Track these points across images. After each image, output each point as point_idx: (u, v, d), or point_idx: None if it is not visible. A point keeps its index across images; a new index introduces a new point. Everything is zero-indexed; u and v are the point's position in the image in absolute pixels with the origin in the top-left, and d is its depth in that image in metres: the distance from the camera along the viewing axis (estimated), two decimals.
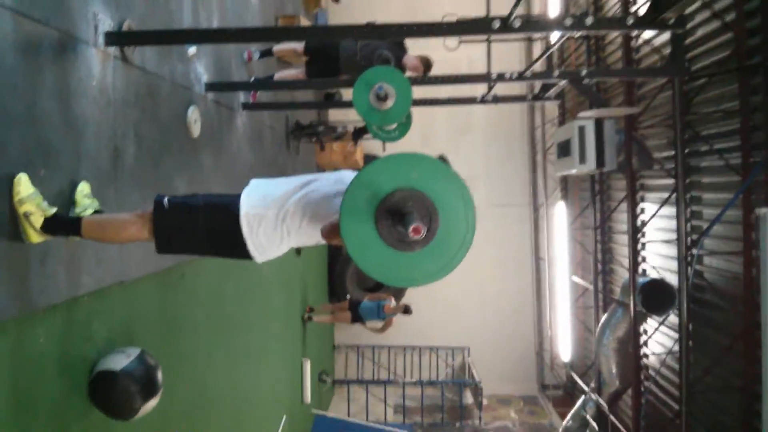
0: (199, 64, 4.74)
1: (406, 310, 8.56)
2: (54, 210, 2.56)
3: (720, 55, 5.33)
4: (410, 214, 2.00)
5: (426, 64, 6.35)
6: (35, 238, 2.53)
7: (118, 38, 3.31)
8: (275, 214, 2.60)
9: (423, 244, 2.04)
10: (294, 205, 2.61)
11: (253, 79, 6.30)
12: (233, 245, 2.62)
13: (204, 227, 2.63)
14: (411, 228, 1.90)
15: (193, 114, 4.51)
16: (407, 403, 11.05)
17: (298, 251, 8.75)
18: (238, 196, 2.66)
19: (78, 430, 2.98)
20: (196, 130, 4.56)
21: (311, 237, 2.70)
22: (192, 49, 4.56)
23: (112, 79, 3.34)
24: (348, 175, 2.72)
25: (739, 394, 5.15)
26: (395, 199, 2.03)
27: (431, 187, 2.06)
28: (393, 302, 8.66)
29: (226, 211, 2.61)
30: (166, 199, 2.65)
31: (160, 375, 3.19)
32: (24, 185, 2.47)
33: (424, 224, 1.99)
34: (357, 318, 8.83)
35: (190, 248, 2.78)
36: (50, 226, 2.54)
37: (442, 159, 2.76)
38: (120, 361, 3.06)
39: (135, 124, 3.59)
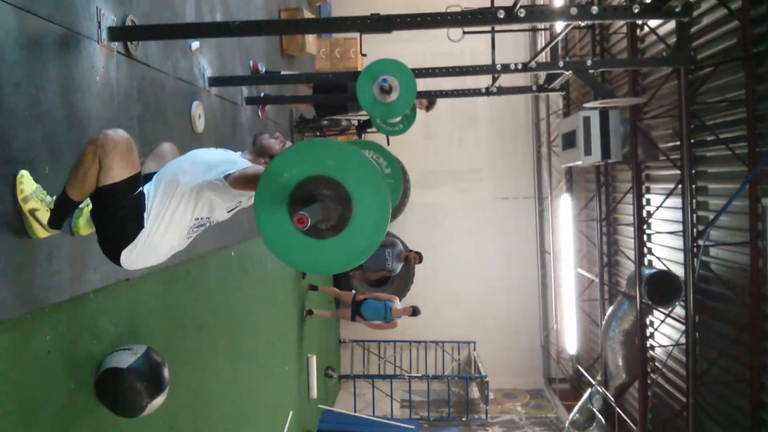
0: (203, 58, 4.73)
1: (414, 312, 8.51)
2: (54, 199, 2.54)
3: (726, 44, 5.29)
4: (322, 202, 2.00)
5: (431, 100, 6.44)
6: (41, 233, 2.51)
7: (121, 33, 3.29)
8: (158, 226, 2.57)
9: (334, 233, 2.03)
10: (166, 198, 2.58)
11: (262, 94, 6.32)
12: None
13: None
14: (296, 218, 1.85)
15: (197, 109, 4.50)
16: (413, 398, 11.05)
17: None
18: None
19: (85, 427, 2.98)
20: (200, 125, 4.55)
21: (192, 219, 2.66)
22: (195, 44, 4.54)
23: (116, 75, 3.33)
24: (204, 153, 2.77)
25: (747, 386, 5.13)
26: (308, 187, 2.03)
27: (347, 175, 2.04)
28: (399, 303, 8.62)
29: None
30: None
31: (166, 372, 3.19)
32: (27, 182, 2.46)
33: (334, 212, 2.00)
34: (358, 315, 8.79)
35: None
36: (55, 217, 2.53)
37: None
38: (126, 358, 3.05)
39: (139, 120, 3.58)
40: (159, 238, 2.56)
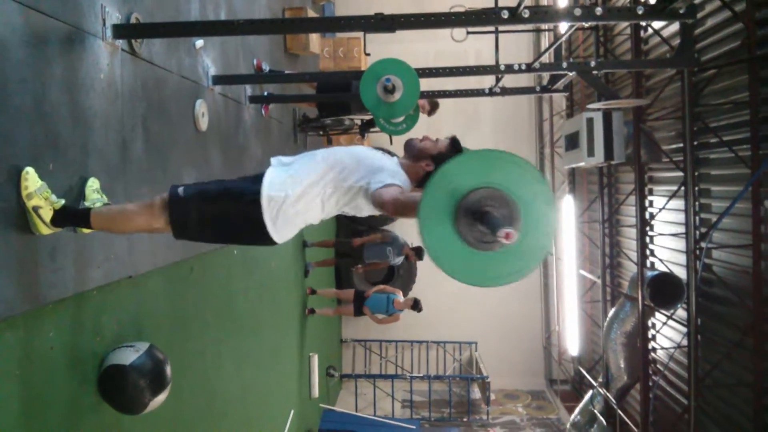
0: (207, 57, 4.74)
1: (416, 305, 8.52)
2: (62, 202, 2.56)
3: (730, 46, 5.29)
4: (490, 213, 1.94)
5: (433, 105, 6.46)
6: (45, 230, 2.52)
7: (126, 31, 3.30)
8: (296, 193, 2.63)
9: (501, 246, 1.95)
10: (321, 188, 2.66)
11: (266, 93, 6.33)
12: (253, 230, 2.63)
13: (223, 214, 2.64)
14: (503, 232, 1.79)
15: (201, 107, 4.50)
16: (415, 398, 11.06)
17: (304, 244, 8.76)
18: (257, 179, 2.67)
19: (87, 424, 2.98)
20: (203, 123, 4.56)
21: (330, 213, 2.77)
22: (199, 42, 4.55)
23: (120, 73, 3.33)
24: (367, 153, 2.77)
25: (749, 389, 5.13)
26: (478, 197, 1.97)
27: (516, 188, 2.00)
28: (401, 296, 8.63)
29: (243, 195, 2.63)
30: (181, 189, 2.65)
31: (168, 369, 3.19)
32: (32, 179, 2.47)
33: (513, 228, 1.89)
34: (361, 311, 8.80)
35: (208, 236, 2.82)
36: (60, 218, 2.54)
37: (454, 141, 2.76)
38: (129, 355, 3.06)
39: (143, 118, 3.59)
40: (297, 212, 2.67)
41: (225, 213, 2.64)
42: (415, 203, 2.06)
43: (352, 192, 2.66)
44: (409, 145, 2.85)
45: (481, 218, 1.95)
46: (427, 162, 2.75)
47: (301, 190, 2.63)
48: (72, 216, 2.61)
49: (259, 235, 2.65)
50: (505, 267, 2.06)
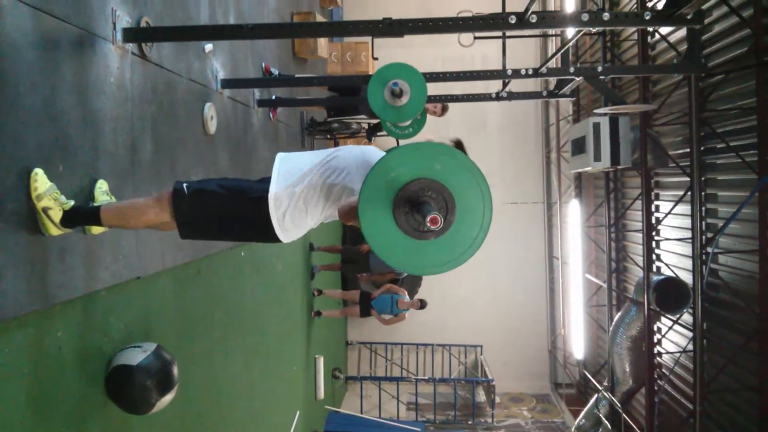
0: (216, 61, 4.76)
1: (422, 305, 8.52)
2: (72, 203, 2.58)
3: (737, 52, 5.29)
4: (427, 203, 2.03)
5: (444, 106, 6.47)
6: (54, 231, 2.54)
7: (135, 35, 3.32)
8: (300, 190, 2.63)
9: (436, 235, 2.07)
10: (319, 182, 2.65)
11: (273, 97, 6.36)
12: (259, 227, 2.64)
13: (228, 211, 2.65)
14: (429, 218, 1.92)
15: (210, 111, 4.53)
16: (420, 401, 11.05)
17: (311, 246, 8.78)
18: (264, 180, 2.68)
19: (95, 424, 3.00)
20: (212, 126, 4.58)
21: (333, 214, 2.76)
22: (208, 46, 4.57)
23: (130, 76, 3.36)
24: (372, 152, 2.78)
25: (754, 394, 5.12)
26: (415, 188, 2.07)
27: (453, 181, 2.09)
28: (406, 297, 8.64)
29: (248, 193, 2.64)
30: (185, 185, 2.65)
31: (175, 370, 3.21)
32: (41, 180, 2.49)
33: (441, 215, 2.01)
34: (367, 312, 8.81)
35: (213, 234, 2.83)
36: (69, 219, 2.56)
37: (458, 143, 2.78)
38: (136, 355, 3.08)
39: (152, 121, 3.61)
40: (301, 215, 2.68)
41: (229, 209, 2.64)
42: (354, 208, 2.17)
43: (353, 193, 2.67)
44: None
45: (417, 208, 2.05)
46: None
47: (305, 189, 2.64)
48: (82, 215, 2.63)
49: (265, 233, 2.65)
50: (441, 256, 2.16)
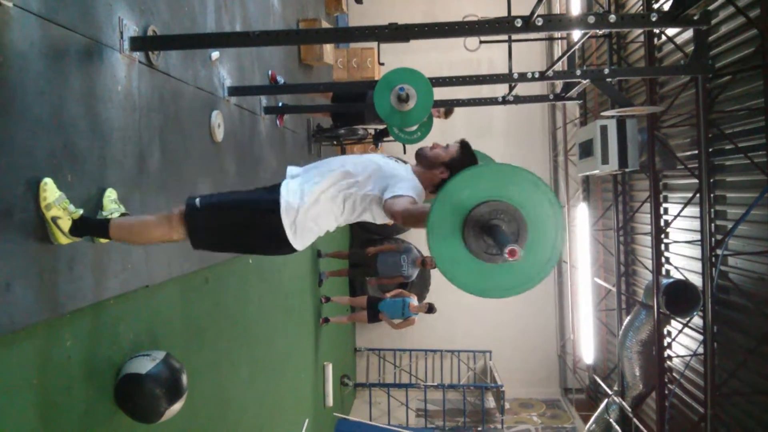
0: (222, 68, 4.77)
1: (431, 309, 8.52)
2: (81, 212, 2.59)
3: (744, 52, 5.27)
4: (498, 226, 1.98)
5: (447, 109, 6.48)
6: (63, 240, 2.55)
7: (143, 43, 3.33)
8: (314, 200, 2.65)
9: (505, 260, 1.97)
10: (330, 191, 2.68)
11: (280, 104, 6.37)
12: (273, 239, 2.66)
13: (240, 223, 2.67)
14: (507, 249, 1.83)
15: (217, 118, 4.53)
16: (429, 407, 11.03)
17: (318, 254, 8.78)
18: (273, 189, 2.71)
19: None
20: (219, 134, 4.59)
21: (348, 219, 2.79)
22: (215, 54, 4.58)
23: (138, 84, 3.37)
24: (380, 161, 2.79)
25: (766, 397, 5.09)
26: (485, 209, 2.01)
27: (526, 204, 2.04)
28: (416, 300, 8.63)
29: (260, 204, 2.65)
30: (198, 200, 2.67)
31: (185, 378, 3.21)
32: (50, 190, 2.49)
33: (519, 246, 1.91)
34: (375, 317, 8.80)
35: (226, 246, 2.85)
36: (78, 228, 2.57)
37: (464, 145, 2.78)
38: (145, 364, 3.08)
39: (160, 129, 3.62)
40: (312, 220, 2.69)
41: (243, 223, 2.67)
42: (425, 214, 2.09)
43: (367, 200, 2.68)
44: (420, 154, 2.86)
45: (488, 231, 1.99)
46: (441, 169, 2.76)
47: (315, 197, 2.66)
48: (91, 227, 2.65)
49: (280, 244, 2.67)
50: (508, 280, 2.10)
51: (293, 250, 2.71)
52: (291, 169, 2.83)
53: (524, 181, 2.07)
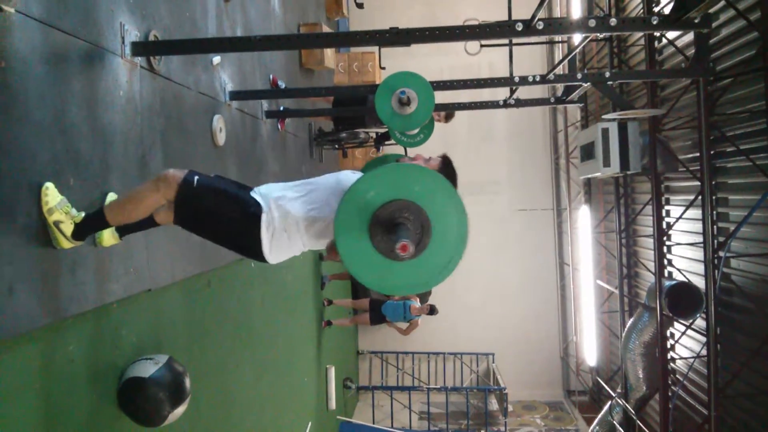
0: (224, 73, 4.78)
1: (432, 311, 8.52)
2: (82, 215, 2.59)
3: (745, 55, 5.27)
4: (403, 225, 2.03)
5: (448, 113, 6.48)
6: (66, 244, 2.55)
7: (144, 48, 3.35)
8: (282, 218, 2.58)
9: (410, 257, 2.06)
10: (294, 211, 2.59)
11: (281, 108, 6.38)
12: (247, 242, 2.60)
13: (224, 214, 2.59)
14: (399, 245, 1.92)
15: (218, 123, 4.55)
16: (432, 410, 11.01)
17: (320, 257, 8.78)
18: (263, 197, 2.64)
19: None
20: (221, 138, 4.60)
21: (316, 243, 2.70)
22: (216, 59, 4.60)
23: (139, 89, 3.38)
24: (346, 177, 2.69)
25: None
26: (392, 209, 2.07)
27: (430, 203, 2.09)
28: (418, 303, 8.64)
29: (248, 206, 2.58)
30: (197, 177, 2.60)
31: (188, 382, 3.21)
32: (52, 194, 2.50)
33: (413, 240, 2.02)
34: (377, 319, 8.80)
35: (203, 231, 2.72)
36: (80, 230, 2.57)
37: (446, 159, 2.76)
38: (148, 368, 3.08)
39: (161, 133, 3.63)
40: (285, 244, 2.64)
41: (227, 215, 2.59)
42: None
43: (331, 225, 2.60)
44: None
45: (394, 229, 2.04)
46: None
47: (288, 219, 2.59)
48: (91, 223, 2.62)
49: (253, 249, 2.60)
50: (412, 277, 2.15)
51: (264, 261, 2.64)
52: (269, 185, 2.76)
53: (429, 182, 2.12)
